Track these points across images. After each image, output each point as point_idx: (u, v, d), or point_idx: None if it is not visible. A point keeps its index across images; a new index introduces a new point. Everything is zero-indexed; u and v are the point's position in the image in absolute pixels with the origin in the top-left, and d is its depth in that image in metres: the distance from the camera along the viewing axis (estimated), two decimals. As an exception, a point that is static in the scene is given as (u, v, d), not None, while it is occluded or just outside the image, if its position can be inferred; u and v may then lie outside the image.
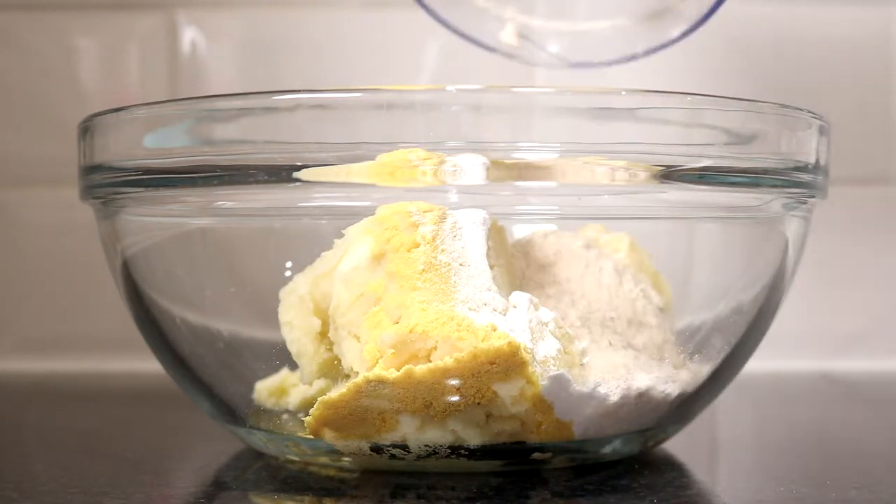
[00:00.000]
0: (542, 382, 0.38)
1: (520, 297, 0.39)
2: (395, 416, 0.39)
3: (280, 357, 0.43)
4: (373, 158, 0.38)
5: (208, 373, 0.46)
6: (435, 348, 0.37)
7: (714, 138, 0.41)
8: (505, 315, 0.38)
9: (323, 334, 0.41)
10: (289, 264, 0.45)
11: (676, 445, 0.46)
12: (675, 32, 0.51)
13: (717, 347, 0.45)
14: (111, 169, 0.43)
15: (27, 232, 0.76)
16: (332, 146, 0.39)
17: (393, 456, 0.40)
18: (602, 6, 0.53)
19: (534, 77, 0.72)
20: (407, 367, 0.37)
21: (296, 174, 0.39)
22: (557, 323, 0.40)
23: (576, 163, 0.39)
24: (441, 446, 0.39)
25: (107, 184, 0.44)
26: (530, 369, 0.38)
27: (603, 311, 0.43)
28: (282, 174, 0.39)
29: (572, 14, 0.53)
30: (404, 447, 0.40)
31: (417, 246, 0.39)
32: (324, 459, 0.42)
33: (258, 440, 0.44)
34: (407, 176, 0.38)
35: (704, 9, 0.49)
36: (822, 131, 0.44)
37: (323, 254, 0.41)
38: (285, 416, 0.45)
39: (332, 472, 0.41)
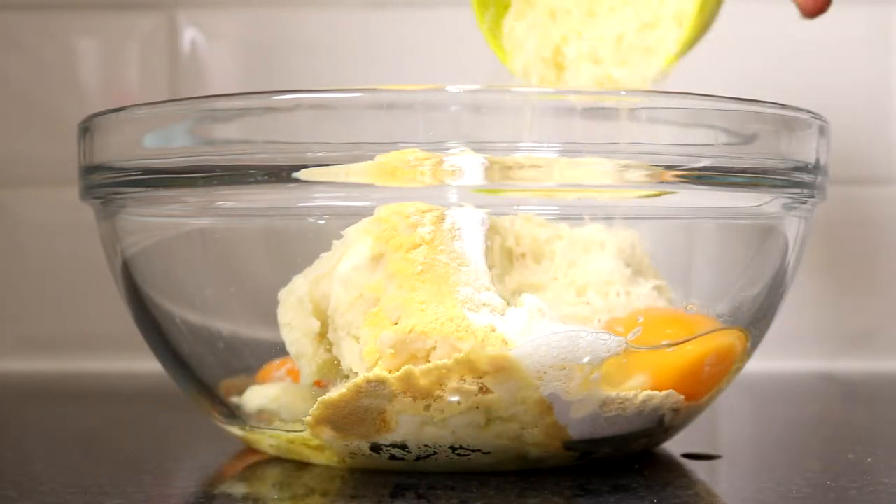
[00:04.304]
0: (542, 383, 0.38)
1: (524, 299, 0.39)
2: (395, 416, 0.39)
3: (280, 357, 0.43)
4: (372, 158, 0.38)
5: (208, 373, 0.46)
6: (434, 349, 0.37)
7: (714, 138, 0.41)
8: (504, 315, 0.38)
9: (322, 335, 0.41)
10: (289, 264, 0.45)
11: (676, 445, 0.46)
12: None
13: (716, 347, 0.45)
14: (111, 169, 0.43)
15: (27, 232, 0.76)
16: (331, 146, 0.39)
17: (393, 456, 0.40)
18: None
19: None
20: (406, 367, 0.37)
21: (295, 174, 0.39)
22: (556, 321, 0.40)
23: (575, 163, 0.39)
24: (441, 446, 0.39)
25: (107, 184, 0.44)
26: (529, 370, 0.38)
27: (603, 310, 0.43)
28: (281, 174, 0.39)
29: None
30: (404, 447, 0.40)
31: (417, 246, 0.39)
32: (324, 459, 0.42)
33: (258, 440, 0.44)
34: (406, 176, 0.38)
35: None
36: (822, 131, 0.44)
37: (322, 255, 0.41)
38: (284, 416, 0.45)
39: (332, 472, 0.41)
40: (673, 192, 0.41)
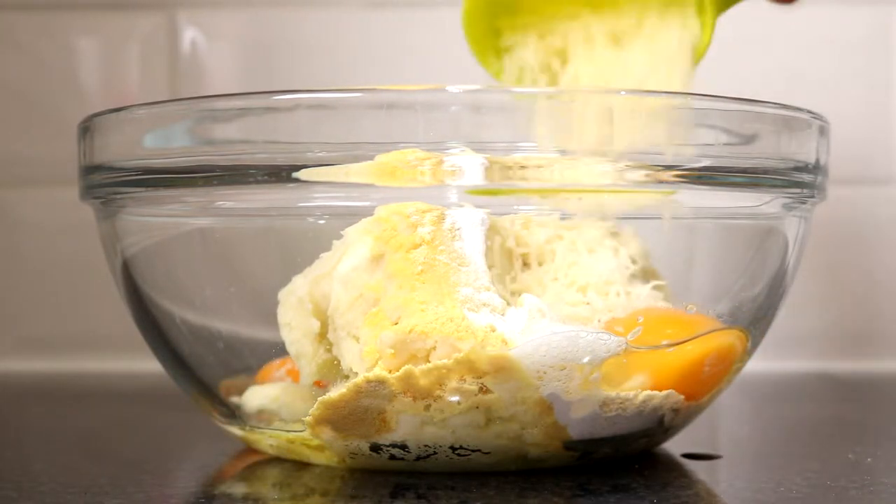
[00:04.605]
0: (542, 383, 0.38)
1: (524, 299, 0.39)
2: (394, 416, 0.39)
3: (280, 357, 0.43)
4: (372, 158, 0.38)
5: (208, 373, 0.46)
6: (434, 349, 0.38)
7: (714, 138, 0.41)
8: (504, 315, 0.38)
9: (322, 335, 0.41)
10: (289, 264, 0.45)
11: (676, 445, 0.46)
12: None
13: (716, 347, 0.45)
14: (111, 169, 0.43)
15: (27, 232, 0.76)
16: (331, 146, 0.39)
17: (393, 456, 0.40)
18: None
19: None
20: (406, 367, 0.37)
21: (295, 174, 0.39)
22: (556, 321, 0.40)
23: (575, 163, 0.39)
24: (441, 446, 0.39)
25: (107, 184, 0.44)
26: (529, 370, 0.38)
27: (603, 310, 0.43)
28: (282, 174, 0.39)
29: None
30: (404, 447, 0.40)
31: (417, 246, 0.39)
32: (323, 459, 0.42)
33: (258, 440, 0.44)
34: (406, 176, 0.38)
35: None
36: (822, 131, 0.44)
37: (322, 255, 0.41)
38: (284, 416, 0.45)
39: (332, 472, 0.41)
40: (673, 192, 0.41)
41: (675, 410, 0.42)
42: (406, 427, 0.39)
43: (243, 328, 0.46)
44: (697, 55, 0.48)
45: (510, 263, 0.44)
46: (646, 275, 0.46)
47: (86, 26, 0.76)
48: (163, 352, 0.47)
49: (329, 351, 0.41)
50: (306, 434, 0.41)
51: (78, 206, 0.49)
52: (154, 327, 0.46)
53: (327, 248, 0.41)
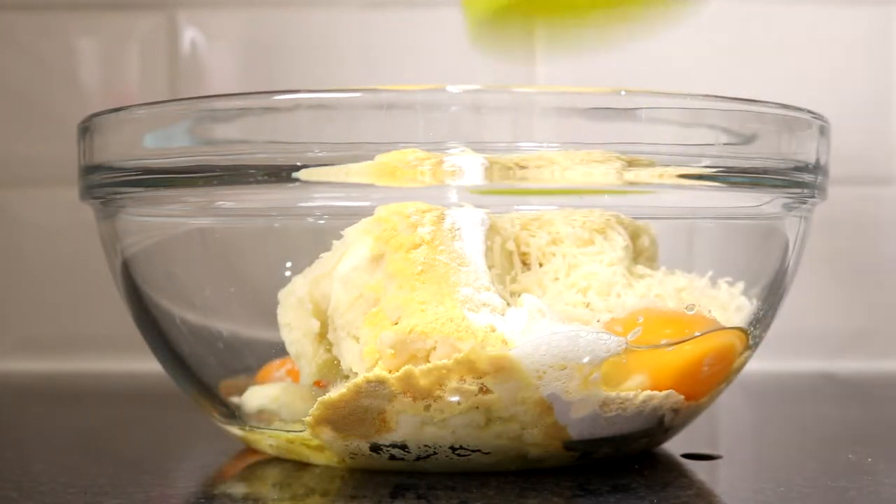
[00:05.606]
0: (542, 383, 0.38)
1: (524, 299, 0.39)
2: (394, 416, 0.39)
3: (280, 357, 0.43)
4: (372, 158, 0.38)
5: (208, 373, 0.46)
6: (434, 349, 0.38)
7: (714, 138, 0.41)
8: (504, 315, 0.38)
9: (322, 335, 0.41)
10: (289, 264, 0.45)
11: (676, 445, 0.46)
12: None
13: (717, 347, 0.45)
14: (111, 169, 0.43)
15: (27, 232, 0.76)
16: (331, 146, 0.39)
17: (393, 456, 0.40)
18: None
19: (534, 77, 0.72)
20: (406, 367, 0.37)
21: (295, 174, 0.39)
22: (556, 321, 0.40)
23: (575, 163, 0.39)
24: (441, 446, 0.39)
25: (107, 184, 0.44)
26: (529, 370, 0.38)
27: (603, 310, 0.43)
28: (281, 174, 0.39)
29: None
30: (404, 447, 0.40)
31: (417, 246, 0.39)
32: (323, 459, 0.42)
33: (258, 440, 0.44)
34: (406, 176, 0.38)
35: None
36: (822, 131, 0.44)
37: (322, 255, 0.41)
38: (284, 416, 0.45)
39: (332, 472, 0.41)
40: (673, 192, 0.41)
41: (675, 410, 0.42)
42: (406, 427, 0.39)
43: (243, 328, 0.46)
44: None
45: (510, 264, 0.44)
46: (639, 255, 0.46)
47: (86, 26, 0.76)
48: (163, 352, 0.47)
49: (329, 351, 0.41)
50: (306, 434, 0.41)
51: (78, 206, 0.49)
52: (154, 327, 0.46)
53: (327, 248, 0.41)
